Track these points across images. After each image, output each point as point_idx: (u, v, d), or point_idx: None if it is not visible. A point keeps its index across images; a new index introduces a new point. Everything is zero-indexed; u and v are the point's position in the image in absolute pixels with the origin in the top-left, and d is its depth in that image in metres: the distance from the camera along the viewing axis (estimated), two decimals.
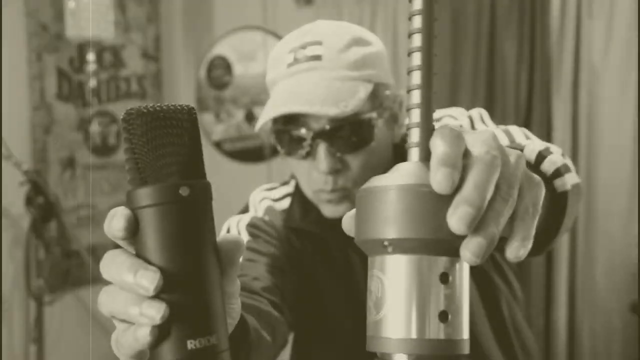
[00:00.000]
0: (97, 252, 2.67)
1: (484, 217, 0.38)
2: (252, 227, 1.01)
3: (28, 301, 2.44)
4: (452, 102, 2.45)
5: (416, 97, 0.41)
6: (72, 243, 2.58)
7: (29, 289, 2.41)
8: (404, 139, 1.03)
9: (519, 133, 0.89)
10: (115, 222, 0.44)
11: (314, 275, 1.01)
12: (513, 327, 1.05)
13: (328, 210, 0.97)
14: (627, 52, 2.29)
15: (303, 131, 0.92)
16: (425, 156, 0.40)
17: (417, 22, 0.41)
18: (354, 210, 0.43)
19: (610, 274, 2.34)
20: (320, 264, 1.02)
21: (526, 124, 2.44)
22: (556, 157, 0.71)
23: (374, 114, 0.93)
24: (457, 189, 0.38)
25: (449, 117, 0.99)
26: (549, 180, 0.70)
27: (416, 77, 0.41)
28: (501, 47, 2.50)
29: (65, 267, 2.66)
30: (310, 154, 0.93)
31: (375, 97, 0.93)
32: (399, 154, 1.01)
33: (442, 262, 0.39)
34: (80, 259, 2.57)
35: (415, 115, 0.41)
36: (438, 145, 0.39)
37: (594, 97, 2.35)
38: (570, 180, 0.72)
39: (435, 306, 0.38)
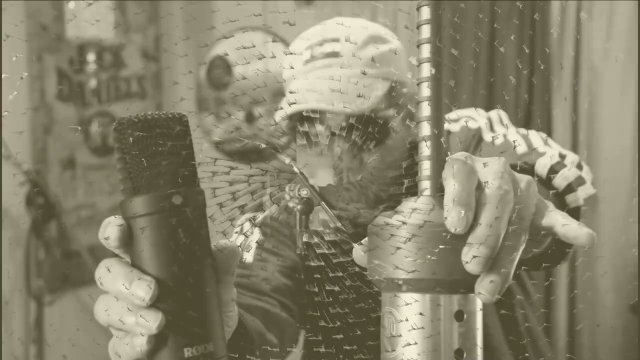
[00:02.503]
0: (97, 252, 2.66)
1: (497, 254, 0.37)
2: (265, 226, 1.00)
3: (28, 301, 2.44)
4: (453, 102, 2.45)
5: (426, 128, 0.41)
6: (72, 243, 2.58)
7: (29, 289, 2.41)
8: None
9: (537, 139, 0.88)
10: (109, 232, 0.44)
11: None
12: (527, 333, 1.04)
13: None
14: (627, 52, 2.29)
15: (319, 128, 0.91)
16: (436, 190, 0.41)
17: (426, 71, 0.42)
18: (364, 241, 0.44)
19: (610, 274, 2.33)
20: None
21: (526, 123, 2.44)
22: (569, 172, 0.71)
23: (390, 112, 0.93)
24: (471, 226, 0.37)
25: (468, 117, 0.98)
26: (561, 195, 0.70)
27: (426, 108, 0.42)
28: (501, 47, 2.49)
29: (65, 267, 2.66)
30: (327, 151, 0.93)
31: (393, 95, 0.93)
32: (415, 152, 1.00)
33: (456, 300, 0.39)
34: (80, 259, 2.57)
35: (426, 148, 0.41)
36: (451, 183, 0.38)
37: (594, 97, 2.35)
38: (583, 194, 0.71)
39: (450, 345, 0.38)
